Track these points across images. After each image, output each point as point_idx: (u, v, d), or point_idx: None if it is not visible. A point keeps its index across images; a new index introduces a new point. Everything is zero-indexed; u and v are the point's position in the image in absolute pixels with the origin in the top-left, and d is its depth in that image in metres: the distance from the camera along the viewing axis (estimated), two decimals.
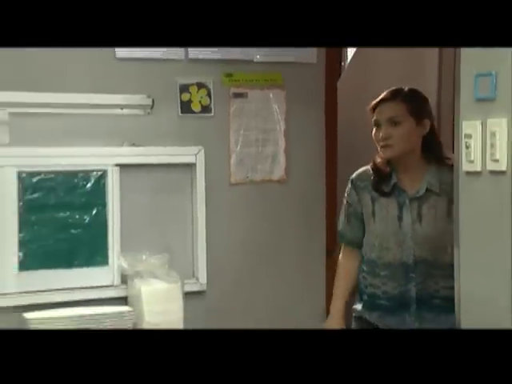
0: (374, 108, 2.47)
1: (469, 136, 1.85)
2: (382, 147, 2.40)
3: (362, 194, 2.52)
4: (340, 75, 3.14)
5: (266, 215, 2.85)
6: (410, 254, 2.44)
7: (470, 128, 1.86)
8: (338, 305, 2.61)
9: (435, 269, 2.43)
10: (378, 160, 2.51)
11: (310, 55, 2.87)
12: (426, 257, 2.44)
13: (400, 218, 2.47)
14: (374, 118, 2.44)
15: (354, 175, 2.56)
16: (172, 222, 2.74)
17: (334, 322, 2.56)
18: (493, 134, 1.81)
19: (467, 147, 1.86)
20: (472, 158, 1.87)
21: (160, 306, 2.61)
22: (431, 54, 3.16)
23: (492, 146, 1.82)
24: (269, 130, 2.89)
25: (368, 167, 2.56)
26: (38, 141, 2.54)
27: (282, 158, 2.87)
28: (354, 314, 2.57)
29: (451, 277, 2.25)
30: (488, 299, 1.87)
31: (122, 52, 2.59)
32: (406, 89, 2.51)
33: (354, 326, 2.60)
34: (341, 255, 2.61)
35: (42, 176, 2.59)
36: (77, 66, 2.58)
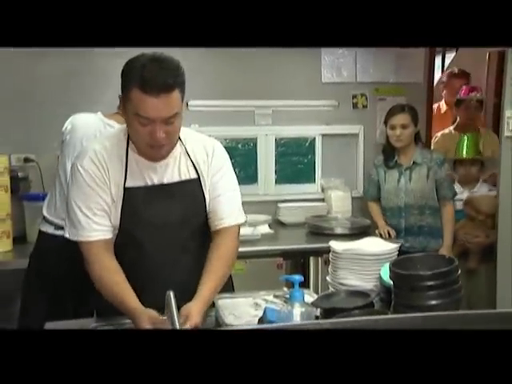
0: (390, 116, 2.63)
1: (510, 118, 2.25)
2: (395, 140, 2.61)
3: (378, 168, 2.72)
4: (433, 88, 3.29)
5: None
6: (402, 201, 2.62)
7: (510, 113, 2.25)
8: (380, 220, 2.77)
9: (416, 209, 2.61)
10: (386, 147, 2.71)
11: (418, 77, 3.17)
12: (411, 202, 2.60)
13: (398, 181, 2.63)
14: (391, 123, 2.59)
15: (375, 159, 2.77)
16: (345, 162, 3.21)
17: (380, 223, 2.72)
18: None
19: (508, 124, 2.24)
20: (511, 129, 2.23)
21: (340, 203, 3.06)
22: (482, 75, 3.54)
23: None
24: None
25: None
26: (282, 122, 3.09)
27: None
28: None
29: (425, 214, 2.58)
30: None
31: (325, 79, 3.08)
32: (408, 105, 2.69)
33: None
34: (368, 204, 2.81)
35: (286, 140, 3.15)
36: (302, 87, 3.04)
